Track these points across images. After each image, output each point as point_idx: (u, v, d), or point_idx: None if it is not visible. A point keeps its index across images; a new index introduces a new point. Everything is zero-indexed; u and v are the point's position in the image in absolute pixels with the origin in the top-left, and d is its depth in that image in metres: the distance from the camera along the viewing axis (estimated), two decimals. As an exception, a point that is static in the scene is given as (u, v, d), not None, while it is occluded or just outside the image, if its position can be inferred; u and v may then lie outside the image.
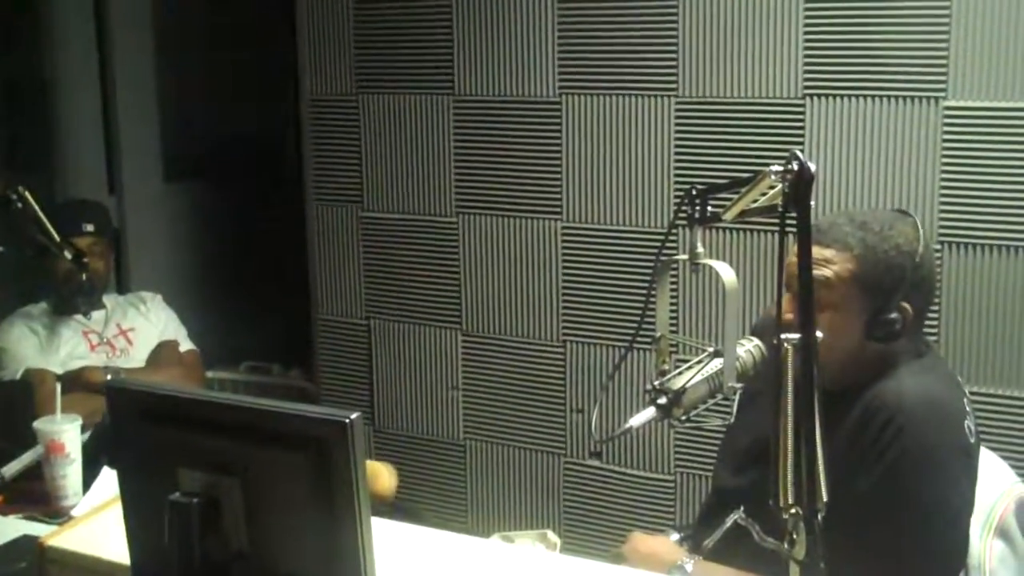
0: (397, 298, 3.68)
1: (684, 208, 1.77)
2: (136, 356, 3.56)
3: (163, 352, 3.58)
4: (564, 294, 3.41)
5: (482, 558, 1.89)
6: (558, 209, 3.38)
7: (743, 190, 1.69)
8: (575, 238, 3.37)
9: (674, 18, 3.14)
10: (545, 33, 3.33)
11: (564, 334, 3.43)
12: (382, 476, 2.58)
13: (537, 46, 3.34)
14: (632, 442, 3.36)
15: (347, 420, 1.39)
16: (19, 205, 2.80)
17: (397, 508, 2.63)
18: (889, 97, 2.91)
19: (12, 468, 1.86)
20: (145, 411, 1.55)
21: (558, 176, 3.37)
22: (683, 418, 1.78)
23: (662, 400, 1.78)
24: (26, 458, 1.97)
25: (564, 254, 3.39)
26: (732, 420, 2.27)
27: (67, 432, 2.51)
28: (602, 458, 3.40)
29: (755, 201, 1.69)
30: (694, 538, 2.28)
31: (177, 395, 1.55)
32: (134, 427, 1.56)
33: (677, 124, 3.19)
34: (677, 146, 3.20)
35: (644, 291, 3.24)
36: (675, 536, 2.38)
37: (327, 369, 3.88)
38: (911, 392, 2.00)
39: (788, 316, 1.68)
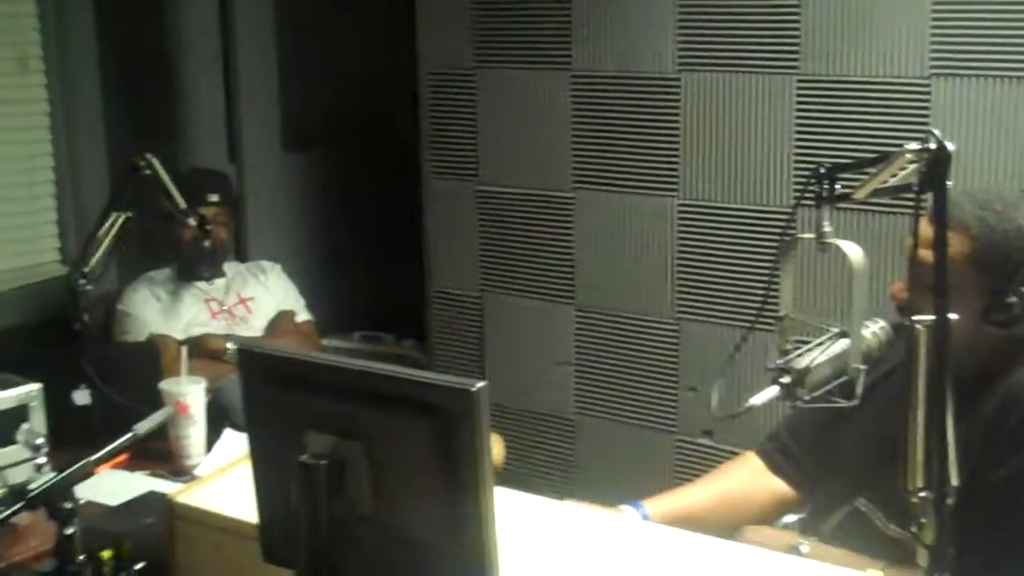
0: (511, 272, 3.70)
1: (812, 187, 1.75)
2: (255, 325, 3.63)
3: (281, 322, 3.65)
4: (678, 271, 3.40)
5: (591, 526, 1.90)
6: (675, 186, 3.37)
7: (875, 169, 1.66)
8: (691, 216, 3.35)
9: (798, -7, 3.11)
10: (665, 9, 3.31)
11: (678, 312, 3.42)
12: (492, 445, 2.60)
13: (657, 22, 3.32)
14: (746, 422, 3.33)
15: (473, 389, 1.40)
16: (147, 172, 2.85)
17: (505, 479, 2.65)
18: (1019, 78, 2.84)
19: (144, 426, 1.91)
20: (275, 375, 1.58)
21: (676, 153, 3.35)
22: (806, 398, 1.77)
23: (785, 379, 1.76)
24: (158, 417, 2.02)
25: (679, 231, 3.38)
26: (857, 402, 2.24)
27: (192, 394, 2.58)
28: (714, 437, 3.39)
29: (886, 181, 1.66)
30: (809, 521, 2.26)
31: (306, 360, 1.57)
32: (264, 390, 1.59)
33: (798, 103, 3.15)
34: (797, 125, 3.16)
35: (760, 270, 3.23)
36: (790, 518, 2.36)
37: (440, 341, 3.91)
38: None
39: (902, 295, 1.65)
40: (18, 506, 1.70)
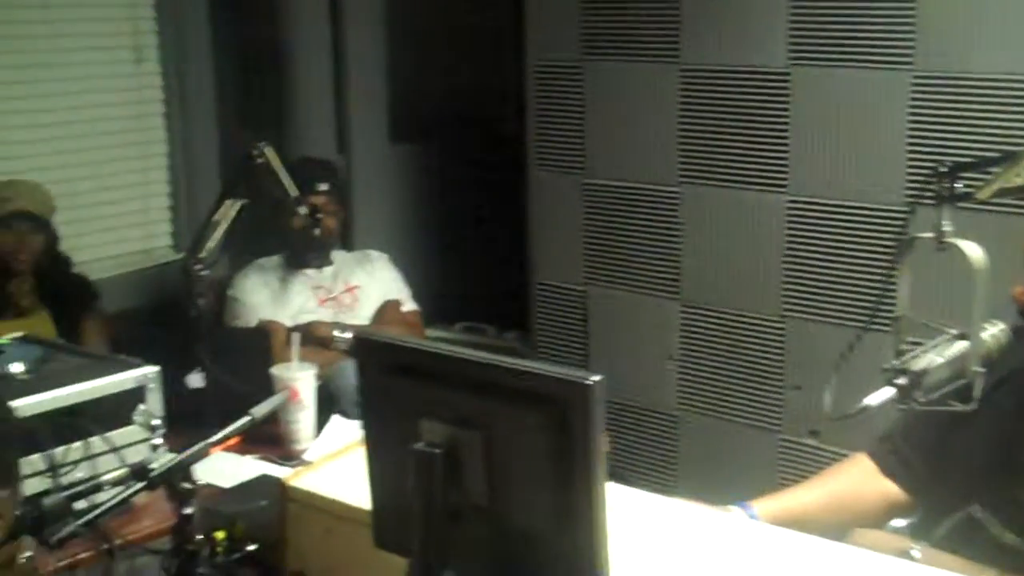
0: (616, 265, 3.70)
1: (932, 186, 1.72)
2: (361, 313, 3.68)
3: (387, 311, 3.69)
4: (786, 269, 3.36)
5: (699, 524, 1.89)
6: (784, 182, 3.33)
7: (999, 168, 1.63)
8: (800, 212, 3.32)
9: (914, -12, 3.05)
10: (777, 2, 3.27)
11: (784, 309, 3.38)
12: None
13: (768, 15, 3.29)
14: (852, 423, 3.28)
15: (590, 382, 1.40)
16: (261, 161, 2.90)
17: (606, 473, 2.65)
18: None
19: (261, 410, 1.94)
20: (392, 363, 1.59)
21: (785, 149, 3.32)
22: (922, 401, 1.74)
23: (901, 381, 1.74)
24: (274, 401, 2.06)
25: (788, 228, 3.34)
26: (975, 406, 2.20)
27: (303, 380, 2.62)
28: (819, 437, 3.35)
29: (1010, 181, 1.63)
30: (920, 526, 2.22)
31: (424, 349, 1.59)
32: (380, 378, 1.61)
33: (912, 99, 3.10)
34: (911, 122, 3.11)
35: (870, 269, 3.18)
36: (899, 522, 2.32)
37: (543, 333, 3.92)
38: None
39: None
40: (140, 485, 1.74)
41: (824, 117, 3.24)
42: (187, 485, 1.77)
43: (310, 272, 3.69)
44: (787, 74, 3.28)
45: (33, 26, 4.01)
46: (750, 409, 3.49)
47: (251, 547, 2.03)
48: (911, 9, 3.04)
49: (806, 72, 3.25)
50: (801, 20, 3.23)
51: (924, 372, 1.73)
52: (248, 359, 2.81)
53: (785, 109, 3.30)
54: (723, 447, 3.55)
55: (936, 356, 1.75)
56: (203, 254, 2.73)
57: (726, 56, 3.38)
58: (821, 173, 3.26)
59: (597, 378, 1.41)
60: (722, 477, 3.53)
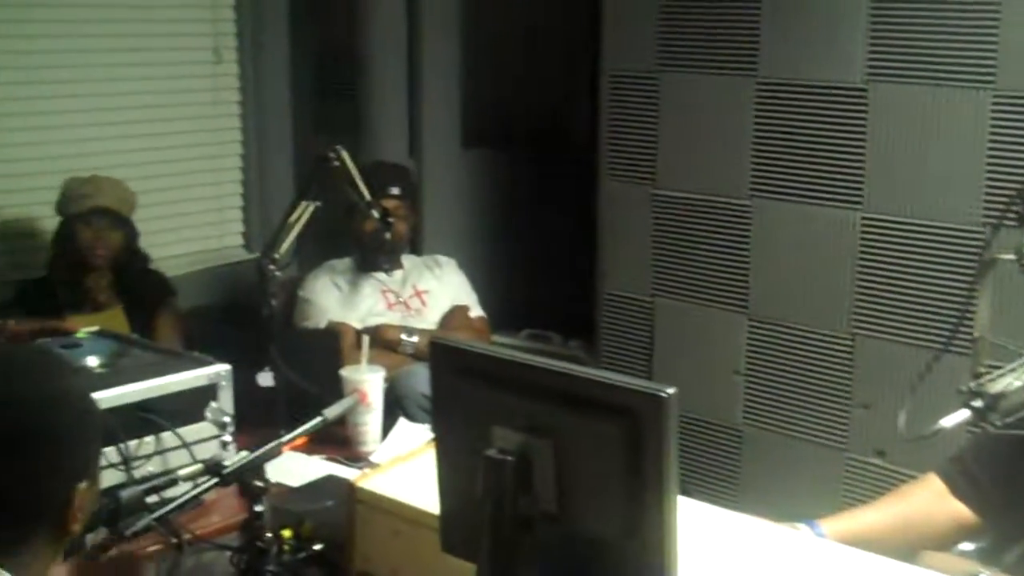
0: (684, 277, 3.68)
1: (1015, 206, 1.70)
2: (429, 318, 3.70)
3: (455, 316, 3.70)
4: (857, 286, 3.33)
5: (767, 540, 1.88)
6: (858, 199, 3.30)
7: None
8: (874, 230, 3.28)
9: (996, 6, 3.00)
10: (856, 18, 3.24)
11: (854, 327, 3.35)
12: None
13: (847, 31, 3.26)
14: (920, 443, 3.24)
15: (665, 395, 1.40)
16: (336, 164, 2.93)
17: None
18: None
19: (333, 411, 1.97)
20: (465, 368, 1.60)
21: (860, 165, 3.29)
22: (998, 424, 1.72)
23: (977, 403, 1.72)
24: (346, 403, 2.08)
25: (861, 245, 3.31)
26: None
27: (371, 382, 2.64)
28: (886, 457, 3.31)
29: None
30: (989, 551, 2.19)
31: (498, 356, 1.59)
32: (453, 383, 1.62)
33: (993, 118, 3.05)
34: (991, 142, 3.07)
35: (944, 289, 3.14)
36: (968, 546, 2.29)
37: (608, 343, 3.91)
38: None
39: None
40: (214, 481, 1.77)
41: (901, 134, 3.20)
42: (259, 483, 1.79)
43: (380, 275, 3.72)
44: (864, 90, 3.25)
45: (116, 25, 4.08)
46: (816, 426, 3.45)
47: (317, 546, 2.05)
48: (993, 26, 3.00)
49: (884, 88, 3.22)
50: (880, 36, 3.20)
51: (1001, 395, 1.71)
52: (317, 360, 2.83)
53: (862, 125, 3.27)
54: (788, 464, 3.52)
55: (1014, 379, 1.73)
56: (278, 254, 2.75)
57: (803, 70, 3.35)
58: (897, 191, 3.23)
59: (672, 390, 1.41)
60: (786, 494, 3.50)
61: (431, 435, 2.62)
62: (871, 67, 3.23)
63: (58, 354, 2.04)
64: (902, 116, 3.20)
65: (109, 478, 2.13)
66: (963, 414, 1.72)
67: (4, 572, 1.38)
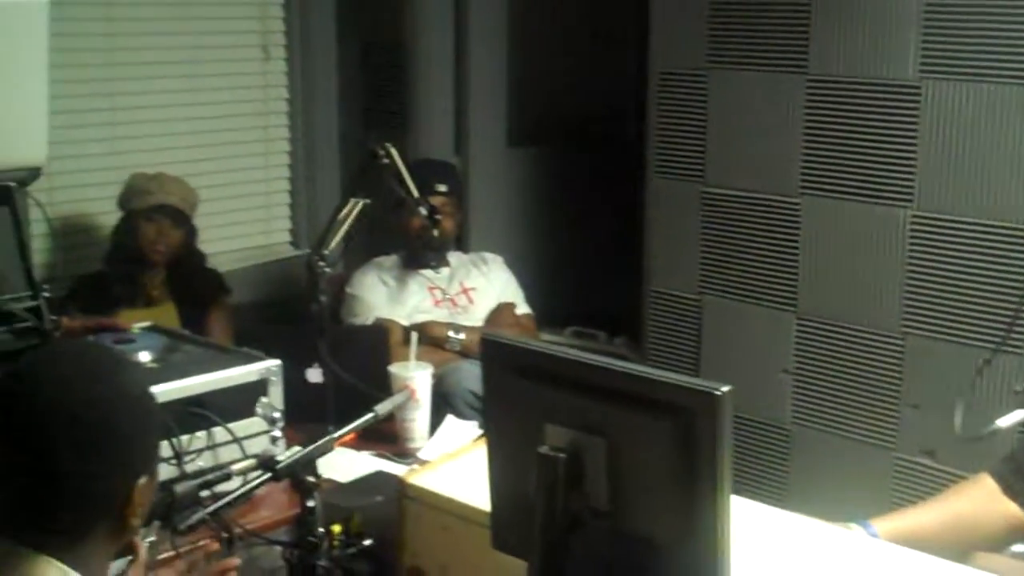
0: (732, 275, 3.66)
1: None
2: (475, 315, 3.70)
3: (502, 313, 3.71)
4: (908, 285, 3.30)
5: (821, 540, 1.87)
6: (909, 197, 3.27)
7: None
8: (925, 228, 3.25)
9: (1052, 2, 2.97)
10: (908, 14, 3.21)
11: (904, 326, 3.32)
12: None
13: (899, 27, 3.23)
14: (970, 443, 3.21)
15: (719, 393, 1.40)
16: (385, 161, 2.93)
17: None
18: None
19: (384, 407, 1.97)
20: (517, 365, 1.60)
21: (912, 163, 3.25)
22: (1057, 424, 1.70)
23: (1035, 403, 1.70)
24: (397, 399, 2.09)
25: (911, 243, 3.28)
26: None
27: (419, 379, 2.65)
28: (936, 457, 3.28)
29: None
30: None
31: (550, 353, 1.59)
32: (505, 380, 1.62)
33: (1050, 116, 3.02)
34: (1048, 139, 3.03)
35: (997, 288, 3.11)
36: (1020, 548, 2.27)
37: (655, 341, 3.90)
38: None
39: None
40: (267, 476, 1.78)
41: (954, 132, 3.17)
42: (311, 478, 1.80)
43: (427, 272, 3.73)
44: (917, 87, 3.22)
45: (167, 23, 4.12)
46: (865, 426, 3.43)
47: (367, 542, 2.05)
48: (1050, 22, 2.97)
49: (937, 86, 3.18)
50: (934, 33, 3.17)
51: (1060, 396, 1.69)
52: (364, 356, 2.84)
53: (914, 123, 3.23)
54: (836, 463, 3.49)
55: (1073, 380, 1.71)
56: (327, 251, 2.76)
57: (855, 67, 3.32)
58: (949, 189, 3.20)
59: (726, 388, 1.40)
60: (834, 493, 3.47)
61: (478, 432, 2.65)
62: (925, 64, 3.19)
63: (119, 351, 2.07)
64: (955, 113, 3.16)
65: (161, 473, 2.15)
66: (1019, 415, 1.71)
67: (64, 567, 1.40)
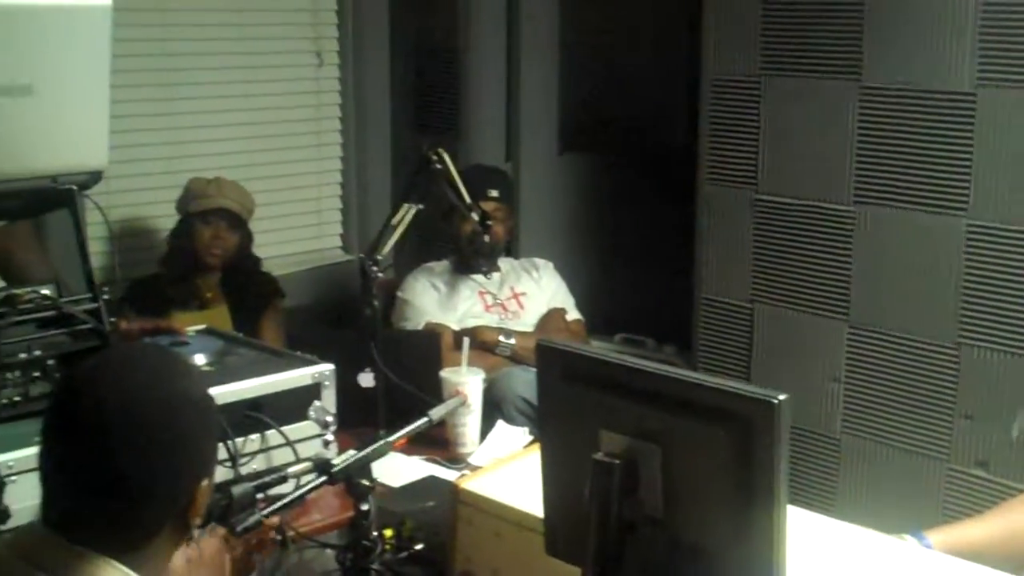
0: (784, 283, 3.64)
1: None
2: (526, 320, 3.71)
3: (552, 319, 3.71)
4: (963, 294, 3.27)
5: (875, 550, 1.85)
6: (964, 206, 3.24)
7: None
8: (981, 237, 3.22)
9: (1112, 9, 2.94)
10: (964, 21, 3.18)
11: (960, 336, 3.29)
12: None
13: (955, 35, 3.20)
14: (1021, 455, 3.18)
15: (776, 400, 1.39)
16: (437, 166, 2.94)
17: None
18: None
19: (438, 412, 1.98)
20: (573, 372, 1.60)
21: (967, 172, 3.22)
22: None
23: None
24: (451, 404, 2.10)
25: (967, 253, 3.25)
26: None
27: (471, 384, 2.65)
28: (989, 469, 3.25)
29: None
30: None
31: (606, 359, 1.59)
32: (560, 386, 1.62)
33: (1107, 124, 2.98)
34: (1104, 145, 2.99)
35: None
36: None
37: (705, 349, 3.89)
38: None
39: None
40: (322, 479, 1.79)
41: (1011, 140, 3.14)
42: (366, 482, 1.81)
43: (478, 277, 3.74)
44: (973, 95, 3.19)
45: (223, 29, 4.16)
46: (917, 436, 3.40)
47: (418, 546, 2.07)
48: (1109, 30, 2.93)
49: (993, 94, 3.15)
50: (990, 41, 3.14)
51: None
52: (416, 361, 2.85)
53: (969, 131, 3.20)
54: (887, 473, 3.47)
55: None
56: (380, 256, 2.77)
57: (909, 75, 3.30)
58: (1005, 198, 3.16)
59: (784, 396, 1.40)
60: (884, 504, 3.45)
61: (529, 437, 2.66)
62: (981, 72, 3.17)
63: (181, 355, 2.08)
64: (1012, 122, 3.13)
65: (217, 475, 2.17)
66: (1079, 426, 1.68)
67: (126, 569, 1.42)
